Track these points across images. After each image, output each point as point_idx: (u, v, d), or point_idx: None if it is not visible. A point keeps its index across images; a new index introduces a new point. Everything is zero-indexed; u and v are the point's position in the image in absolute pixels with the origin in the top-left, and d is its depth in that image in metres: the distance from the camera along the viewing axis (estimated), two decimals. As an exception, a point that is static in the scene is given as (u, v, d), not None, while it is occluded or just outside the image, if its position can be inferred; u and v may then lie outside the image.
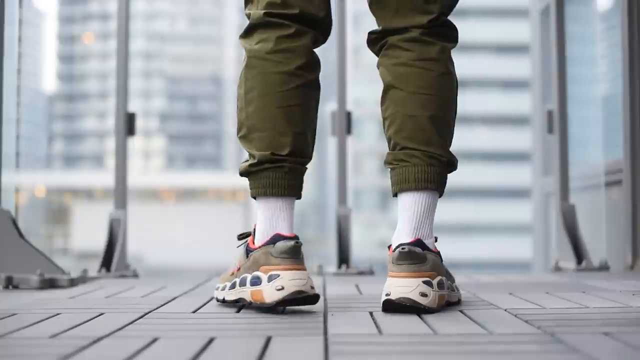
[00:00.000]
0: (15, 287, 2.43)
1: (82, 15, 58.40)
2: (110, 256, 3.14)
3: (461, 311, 1.64)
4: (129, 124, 3.36)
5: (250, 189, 1.75)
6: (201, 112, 58.15)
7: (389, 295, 1.59)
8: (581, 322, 1.49)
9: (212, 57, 59.00)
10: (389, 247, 1.70)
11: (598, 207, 3.77)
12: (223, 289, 1.78)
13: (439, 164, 1.70)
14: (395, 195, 1.74)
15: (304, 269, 1.64)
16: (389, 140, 1.74)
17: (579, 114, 4.29)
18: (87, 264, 3.13)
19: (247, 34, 1.79)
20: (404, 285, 1.58)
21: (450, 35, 1.77)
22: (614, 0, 3.96)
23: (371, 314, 1.61)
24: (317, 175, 38.00)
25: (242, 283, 1.69)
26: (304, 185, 1.78)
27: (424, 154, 1.69)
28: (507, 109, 41.13)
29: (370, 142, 39.90)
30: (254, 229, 1.75)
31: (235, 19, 59.67)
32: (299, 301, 1.62)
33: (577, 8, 4.52)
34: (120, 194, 3.32)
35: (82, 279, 2.63)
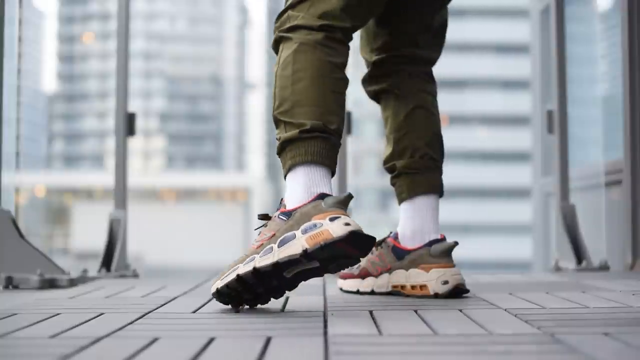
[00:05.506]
0: (15, 287, 2.43)
1: (82, 15, 58.40)
2: (110, 256, 3.14)
3: (461, 311, 1.64)
4: (129, 124, 3.35)
5: (291, 158, 1.74)
6: (201, 112, 58.15)
7: (448, 283, 1.91)
8: (581, 322, 1.49)
9: (212, 57, 58.99)
10: (390, 237, 2.03)
11: (598, 207, 3.77)
12: (248, 262, 1.66)
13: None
14: (414, 195, 2.05)
15: None
16: (406, 148, 2.07)
17: (579, 114, 4.28)
18: (87, 264, 3.13)
19: (294, 29, 1.84)
20: (458, 274, 1.94)
21: None
22: (614, 0, 3.96)
23: (371, 313, 1.61)
24: (317, 175, 37.85)
25: (286, 240, 1.63)
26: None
27: (440, 164, 2.11)
28: (507, 109, 41.13)
29: (370, 142, 39.89)
30: (282, 203, 1.73)
31: (235, 19, 59.67)
32: (363, 238, 1.61)
33: (577, 8, 4.52)
34: (120, 194, 3.31)
35: (82, 279, 2.62)
